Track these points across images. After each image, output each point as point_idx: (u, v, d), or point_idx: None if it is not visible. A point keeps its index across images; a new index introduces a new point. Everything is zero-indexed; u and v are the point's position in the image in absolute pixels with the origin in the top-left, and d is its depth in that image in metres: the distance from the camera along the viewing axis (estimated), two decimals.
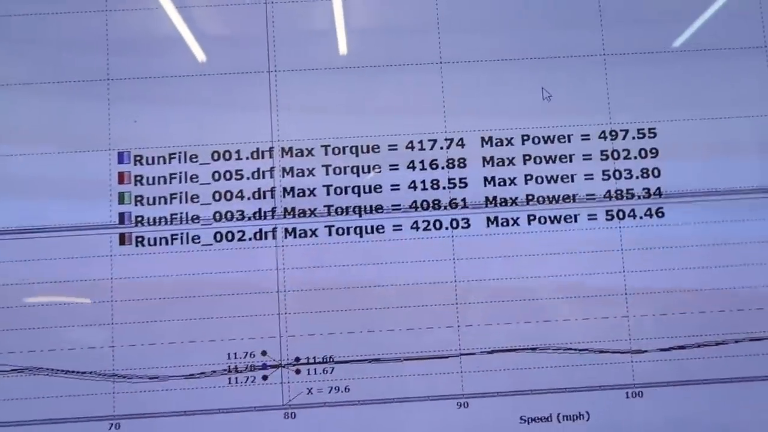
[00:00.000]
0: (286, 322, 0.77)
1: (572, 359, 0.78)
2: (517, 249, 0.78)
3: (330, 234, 0.78)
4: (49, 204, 0.77)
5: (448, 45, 0.81)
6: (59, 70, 0.80)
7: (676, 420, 0.77)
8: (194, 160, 0.79)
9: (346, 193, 0.79)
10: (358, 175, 0.79)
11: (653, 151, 0.80)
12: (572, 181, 0.79)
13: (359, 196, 0.79)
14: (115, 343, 0.76)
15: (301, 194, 0.79)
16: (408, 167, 0.79)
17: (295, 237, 0.78)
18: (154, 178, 0.78)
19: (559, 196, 0.79)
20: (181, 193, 0.78)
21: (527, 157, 0.80)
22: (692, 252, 0.79)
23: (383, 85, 0.80)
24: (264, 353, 0.77)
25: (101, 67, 0.80)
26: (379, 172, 0.79)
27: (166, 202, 0.78)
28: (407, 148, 0.80)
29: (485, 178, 0.79)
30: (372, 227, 0.78)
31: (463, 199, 0.79)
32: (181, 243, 0.78)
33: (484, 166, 0.79)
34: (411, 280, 0.78)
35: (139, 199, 0.78)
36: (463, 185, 0.79)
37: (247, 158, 0.79)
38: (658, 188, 0.80)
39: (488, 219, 0.79)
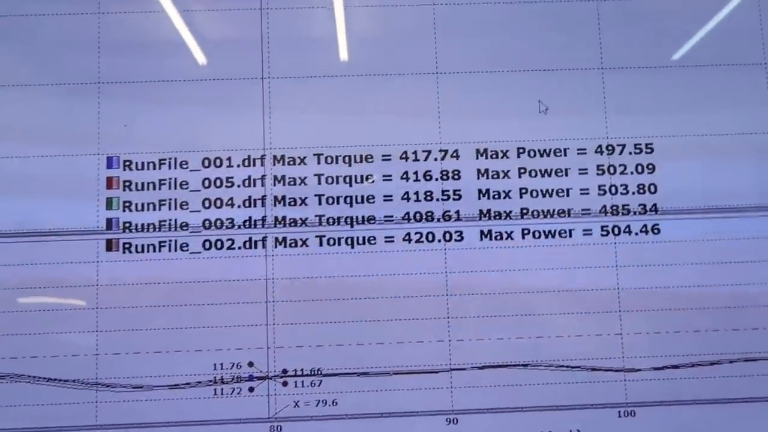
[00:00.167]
0: (274, 333, 0.75)
1: (564, 376, 0.76)
2: (510, 263, 0.77)
3: (321, 244, 0.77)
4: (35, 207, 0.76)
5: (444, 55, 0.80)
6: (49, 72, 0.78)
7: None
8: (184, 166, 0.77)
9: (338, 203, 0.78)
10: (351, 185, 0.78)
11: (650, 166, 0.79)
12: (567, 195, 0.78)
13: (351, 206, 0.78)
14: (100, 351, 0.75)
15: (292, 203, 0.77)
16: (401, 178, 0.78)
17: (285, 246, 0.77)
18: (143, 183, 0.77)
19: (554, 210, 0.78)
20: (170, 199, 0.77)
21: (522, 170, 0.79)
22: (688, 270, 0.78)
23: (378, 94, 0.79)
24: (251, 364, 0.75)
25: (92, 70, 0.78)
26: (373, 182, 0.77)
27: (154, 209, 0.77)
28: (401, 158, 0.78)
29: (479, 191, 0.78)
30: (364, 238, 0.77)
31: (457, 212, 0.78)
32: (169, 250, 0.76)
33: (478, 178, 0.78)
34: (402, 293, 0.76)
35: (127, 204, 0.77)
36: (457, 197, 0.78)
37: (239, 165, 0.78)
38: (654, 204, 0.79)
39: (482, 232, 0.78)
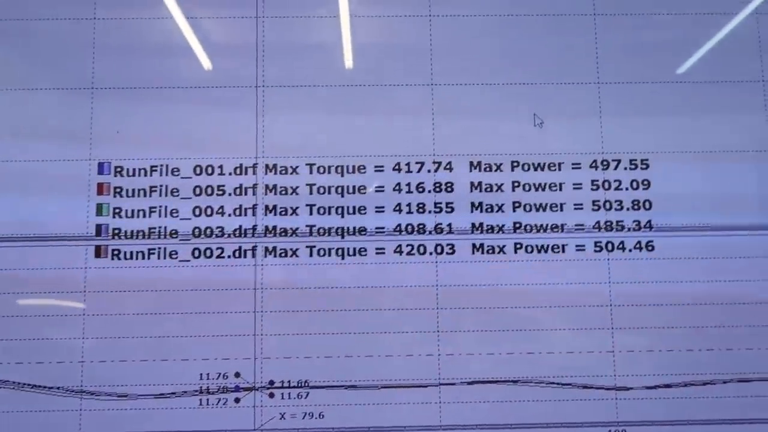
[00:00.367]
0: (261, 344, 0.75)
1: (555, 393, 0.75)
2: (502, 277, 0.77)
3: (311, 255, 0.76)
4: (24, 212, 0.76)
5: (440, 66, 0.79)
6: (43, 76, 0.78)
7: None
8: (176, 173, 0.77)
9: (329, 213, 0.77)
10: (343, 196, 0.77)
11: (645, 182, 0.78)
12: (561, 210, 0.78)
13: (342, 217, 0.77)
14: (85, 359, 0.74)
15: (283, 213, 0.77)
16: (394, 189, 0.78)
17: (275, 256, 0.76)
18: (133, 190, 0.77)
19: (547, 225, 0.77)
20: (160, 206, 0.77)
21: (516, 184, 0.78)
22: (682, 288, 0.77)
23: (372, 104, 0.78)
24: (237, 375, 0.74)
25: (86, 75, 0.78)
26: (381, 188, 0.77)
27: (144, 216, 0.76)
28: (394, 169, 0.78)
29: (472, 204, 0.78)
30: (354, 249, 0.76)
31: (449, 225, 0.77)
32: (158, 258, 0.76)
33: (471, 191, 0.78)
34: (392, 306, 0.76)
35: (117, 211, 0.76)
36: (449, 210, 0.77)
37: (230, 174, 0.77)
38: (649, 221, 0.78)
39: (474, 246, 0.77)
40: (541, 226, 0.77)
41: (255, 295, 0.75)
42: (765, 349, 0.77)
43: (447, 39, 0.80)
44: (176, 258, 0.76)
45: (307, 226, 0.77)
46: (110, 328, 0.75)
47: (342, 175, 0.77)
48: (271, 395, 0.74)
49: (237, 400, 0.74)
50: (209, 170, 0.77)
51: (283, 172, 0.77)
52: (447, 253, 0.77)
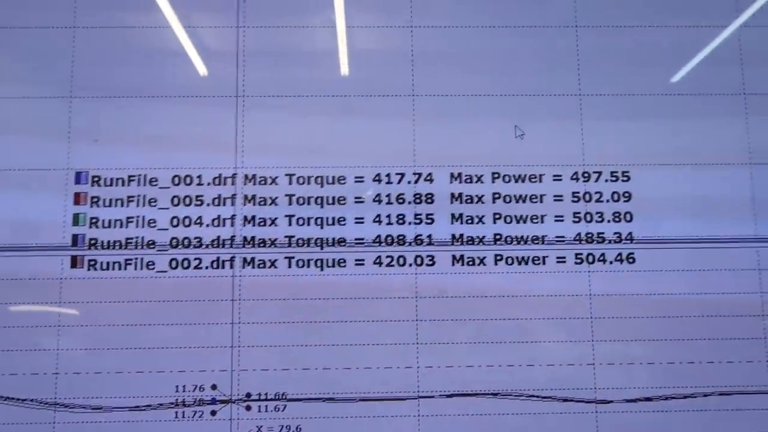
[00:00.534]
0: (238, 356, 0.74)
1: (535, 406, 0.75)
2: (482, 290, 0.76)
3: (290, 266, 0.76)
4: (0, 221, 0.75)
5: (421, 77, 0.79)
6: (21, 84, 0.77)
7: None
8: (154, 183, 0.76)
9: (308, 224, 0.76)
10: (322, 207, 0.77)
11: (626, 194, 0.78)
12: (542, 222, 0.77)
13: (322, 228, 0.76)
14: (59, 370, 0.73)
15: (262, 223, 0.76)
16: (374, 200, 0.77)
17: (253, 267, 0.75)
18: (111, 200, 0.76)
19: (527, 236, 0.77)
20: (138, 217, 0.76)
21: (497, 196, 0.78)
22: (662, 300, 0.77)
23: (353, 115, 0.78)
24: (214, 387, 0.74)
25: (64, 83, 0.77)
26: (343, 202, 0.76)
27: (122, 226, 0.76)
28: (374, 180, 0.77)
29: (452, 215, 0.77)
30: (333, 261, 0.76)
31: (429, 236, 0.77)
32: (135, 269, 0.75)
33: (452, 202, 0.77)
34: (371, 318, 0.75)
35: (94, 221, 0.76)
36: (429, 221, 0.77)
37: (209, 184, 0.77)
38: (630, 233, 0.77)
39: (454, 257, 0.76)
40: (522, 237, 0.77)
41: (233, 306, 0.75)
42: (746, 362, 0.76)
43: (428, 50, 0.79)
44: (153, 269, 0.75)
45: (286, 236, 0.76)
46: (85, 339, 0.74)
47: (322, 186, 0.77)
48: (248, 408, 0.74)
49: (213, 413, 0.73)
50: (188, 180, 0.77)
51: (262, 182, 0.77)
52: (427, 265, 0.76)
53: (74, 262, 0.75)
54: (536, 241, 0.77)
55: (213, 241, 0.76)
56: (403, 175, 0.77)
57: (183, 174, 0.76)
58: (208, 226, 0.76)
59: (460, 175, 0.78)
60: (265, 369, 0.74)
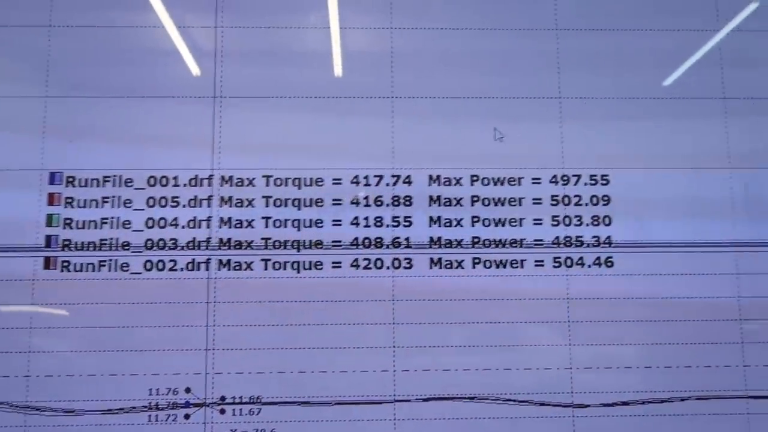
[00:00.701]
0: (213, 359, 0.73)
1: (512, 410, 0.74)
2: (460, 293, 0.75)
3: (266, 268, 0.75)
4: None
5: (400, 79, 0.78)
6: None
7: None
8: (129, 184, 0.76)
9: (285, 226, 0.76)
10: (300, 209, 0.76)
11: (605, 198, 0.78)
12: (520, 225, 0.77)
13: (299, 230, 0.76)
14: (31, 373, 0.72)
15: (238, 225, 0.76)
16: (352, 202, 0.77)
17: (229, 269, 0.75)
18: (85, 201, 0.75)
19: (506, 240, 0.77)
20: (112, 218, 0.75)
21: (475, 199, 0.77)
22: (640, 304, 0.76)
23: (331, 116, 0.77)
24: (188, 390, 0.73)
25: (39, 83, 0.76)
26: (320, 204, 0.76)
27: (96, 227, 0.75)
28: (352, 182, 0.77)
29: (431, 218, 0.77)
30: (310, 263, 0.75)
31: (407, 239, 0.76)
32: (109, 270, 0.74)
33: (430, 205, 0.77)
34: (347, 320, 0.75)
35: (68, 222, 0.75)
36: (407, 224, 0.77)
37: (185, 185, 0.76)
38: (609, 237, 0.77)
39: (431, 260, 0.76)
40: (500, 240, 0.77)
41: (208, 308, 0.74)
42: (723, 367, 0.76)
43: (408, 52, 0.79)
44: (128, 270, 0.74)
45: (262, 239, 0.75)
46: (58, 341, 0.73)
47: (299, 188, 0.76)
48: (222, 411, 0.73)
49: (187, 416, 0.73)
50: (163, 181, 0.76)
51: (239, 184, 0.76)
52: (404, 268, 0.76)
53: (47, 264, 0.74)
54: (515, 245, 0.76)
55: (189, 242, 0.75)
56: (381, 177, 0.77)
57: (159, 175, 0.76)
58: (183, 227, 0.75)
59: (438, 177, 0.77)
60: (240, 372, 0.73)
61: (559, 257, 0.77)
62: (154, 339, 0.73)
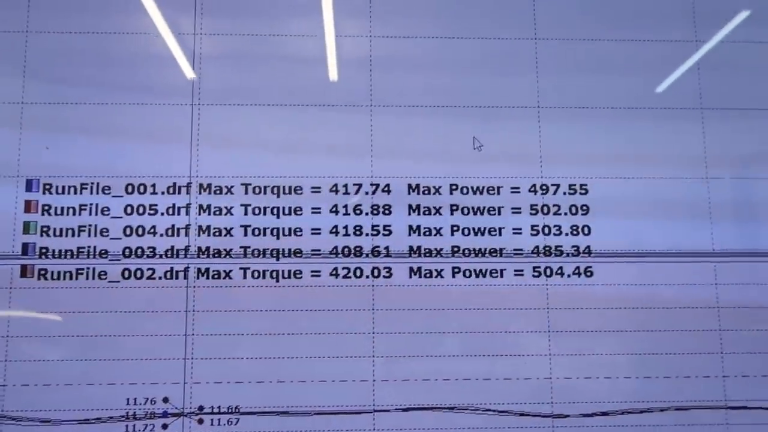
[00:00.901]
0: (191, 368, 0.73)
1: (491, 421, 0.74)
2: (439, 302, 0.75)
3: (245, 277, 0.75)
4: None
5: (379, 87, 0.78)
6: None
7: None
8: (107, 191, 0.75)
9: (264, 234, 0.75)
10: (278, 217, 0.76)
11: (584, 207, 0.78)
12: (500, 234, 0.77)
13: (278, 238, 0.75)
14: (7, 382, 0.72)
15: (217, 233, 0.75)
16: (331, 211, 0.76)
17: (207, 278, 0.74)
18: (62, 208, 0.75)
19: (485, 249, 0.77)
20: (90, 225, 0.75)
21: (455, 208, 0.77)
22: (620, 314, 0.76)
23: (310, 125, 0.77)
24: (166, 400, 0.72)
25: (16, 89, 0.76)
26: (300, 212, 0.75)
27: (73, 235, 0.74)
28: (331, 191, 0.77)
29: (410, 227, 0.77)
30: (289, 272, 0.75)
31: (386, 248, 0.76)
32: (87, 278, 0.74)
33: (409, 214, 0.77)
34: (327, 330, 0.74)
35: (45, 229, 0.74)
36: (387, 233, 0.76)
37: (163, 193, 0.76)
38: (588, 246, 0.77)
39: (411, 269, 0.76)
40: (480, 250, 0.76)
41: (186, 317, 0.73)
42: (703, 377, 0.76)
43: (387, 60, 0.79)
44: (105, 279, 0.74)
45: (241, 247, 0.75)
46: (34, 350, 0.72)
47: (278, 196, 0.76)
48: (201, 421, 0.72)
49: (165, 426, 0.72)
50: (141, 189, 0.75)
51: (218, 192, 0.76)
52: (384, 277, 0.75)
53: (24, 272, 0.73)
54: (494, 254, 0.76)
55: (167, 251, 0.74)
56: (360, 185, 0.77)
57: (137, 182, 0.75)
58: (162, 235, 0.75)
59: (418, 186, 0.77)
60: (219, 381, 0.73)
61: (539, 266, 0.77)
62: (131, 348, 0.73)
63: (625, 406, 0.75)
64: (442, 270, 0.76)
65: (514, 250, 0.77)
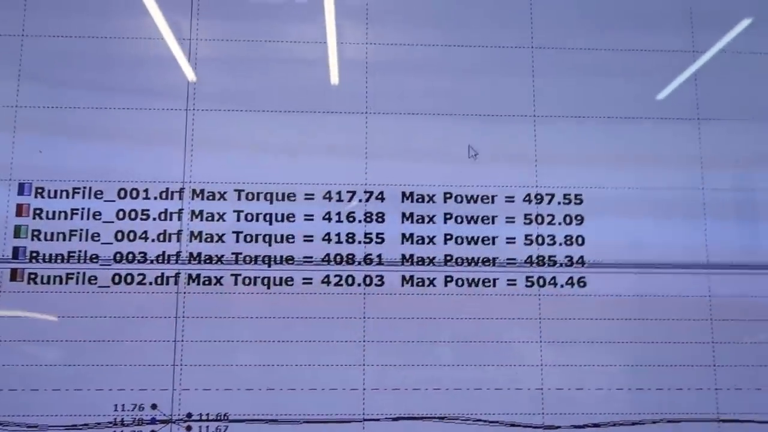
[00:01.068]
0: (180, 374, 0.72)
1: (482, 431, 0.74)
2: (431, 311, 0.75)
3: (236, 283, 0.74)
4: None
5: (374, 94, 0.78)
6: None
7: None
8: (99, 196, 0.75)
9: (256, 241, 0.75)
10: (271, 224, 0.75)
11: (578, 218, 0.77)
12: (493, 243, 0.77)
13: (270, 245, 0.75)
14: None
15: (208, 239, 0.75)
16: (324, 218, 0.76)
17: (198, 284, 0.74)
18: (54, 212, 0.74)
19: (478, 258, 0.76)
20: (81, 230, 0.74)
21: (448, 216, 0.77)
22: (613, 325, 0.76)
23: (304, 131, 0.77)
24: (154, 407, 0.72)
25: (10, 93, 0.76)
26: (292, 219, 0.75)
27: (65, 239, 0.74)
28: (324, 198, 0.76)
29: (403, 235, 0.76)
30: (281, 279, 0.75)
31: (379, 255, 0.76)
32: (77, 283, 0.73)
33: (403, 222, 0.76)
34: (317, 337, 0.74)
35: (36, 233, 0.74)
36: (379, 240, 0.76)
37: (156, 198, 0.75)
38: (581, 257, 0.77)
39: (403, 278, 0.75)
40: (473, 259, 0.76)
41: (176, 323, 0.73)
42: (695, 389, 0.76)
43: (383, 67, 0.79)
44: (95, 283, 0.73)
45: (233, 253, 0.75)
46: (22, 355, 0.72)
47: (271, 203, 0.76)
48: (189, 428, 0.72)
49: None
50: (134, 194, 0.75)
51: (211, 197, 0.75)
52: (376, 285, 0.75)
53: (14, 275, 0.73)
54: (487, 263, 0.76)
55: (158, 256, 0.74)
56: (354, 193, 0.76)
57: (129, 187, 0.75)
58: (153, 240, 0.74)
59: (412, 194, 0.77)
60: (208, 388, 0.72)
61: (532, 277, 0.76)
62: (120, 353, 0.72)
63: (617, 418, 0.75)
64: (434, 278, 0.76)
65: (508, 259, 0.76)
